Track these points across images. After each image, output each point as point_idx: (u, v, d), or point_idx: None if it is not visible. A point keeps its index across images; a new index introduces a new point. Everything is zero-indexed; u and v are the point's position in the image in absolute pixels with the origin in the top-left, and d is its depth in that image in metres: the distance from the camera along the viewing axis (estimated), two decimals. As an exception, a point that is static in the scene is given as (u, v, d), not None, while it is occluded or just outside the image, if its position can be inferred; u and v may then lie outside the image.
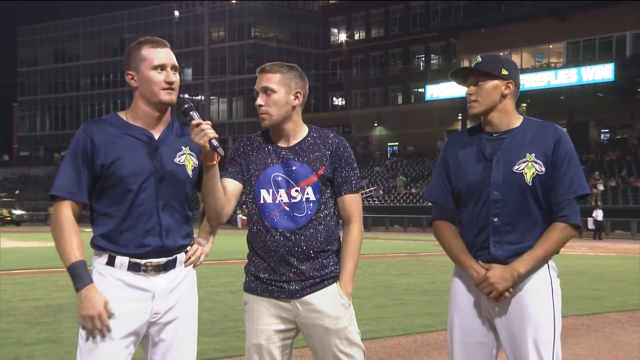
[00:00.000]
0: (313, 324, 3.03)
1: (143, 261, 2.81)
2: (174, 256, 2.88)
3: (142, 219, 2.81)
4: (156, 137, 2.89)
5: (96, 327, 2.73)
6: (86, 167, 2.80)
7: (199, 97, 65.40)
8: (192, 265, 2.96)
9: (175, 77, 2.87)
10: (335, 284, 3.07)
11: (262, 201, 3.04)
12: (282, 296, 3.02)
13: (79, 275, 2.73)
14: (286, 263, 3.01)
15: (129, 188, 2.80)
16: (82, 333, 2.79)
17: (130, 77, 2.89)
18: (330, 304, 3.03)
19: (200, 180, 2.99)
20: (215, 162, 2.86)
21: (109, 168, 2.79)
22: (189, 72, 67.70)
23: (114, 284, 2.80)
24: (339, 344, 3.03)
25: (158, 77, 2.84)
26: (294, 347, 3.19)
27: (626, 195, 37.95)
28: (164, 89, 2.84)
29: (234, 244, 24.40)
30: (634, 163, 40.55)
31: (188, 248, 2.94)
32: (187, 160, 2.92)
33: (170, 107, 2.94)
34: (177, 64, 2.91)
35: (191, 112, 2.87)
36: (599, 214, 33.59)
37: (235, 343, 6.72)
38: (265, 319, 3.03)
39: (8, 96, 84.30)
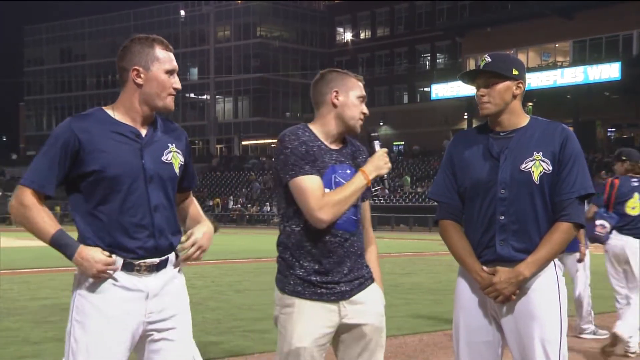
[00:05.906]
0: (359, 323, 3.06)
1: (137, 261, 2.76)
2: (166, 256, 2.84)
3: (134, 219, 2.75)
4: (143, 135, 2.82)
5: (108, 273, 2.73)
6: (63, 163, 2.72)
7: (205, 97, 65.40)
8: (187, 260, 2.87)
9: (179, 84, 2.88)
10: (374, 282, 3.16)
11: None
12: (331, 298, 3.04)
13: (65, 243, 2.68)
14: (342, 264, 3.04)
15: (119, 188, 2.73)
16: (75, 335, 2.73)
17: (136, 73, 2.80)
18: (379, 300, 3.14)
19: (183, 178, 2.95)
20: (368, 185, 3.05)
21: (96, 167, 2.71)
22: (194, 71, 67.68)
23: (108, 283, 2.74)
24: (382, 341, 3.12)
25: (169, 81, 2.81)
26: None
27: (632, 194, 37.79)
28: (171, 94, 2.82)
29: (238, 243, 24.43)
30: (641, 162, 40.39)
31: (178, 247, 2.89)
32: (174, 158, 2.87)
33: None
34: None
35: (376, 142, 3.08)
36: None
37: (240, 342, 6.72)
38: (315, 321, 3.03)
39: (14, 96, 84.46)
